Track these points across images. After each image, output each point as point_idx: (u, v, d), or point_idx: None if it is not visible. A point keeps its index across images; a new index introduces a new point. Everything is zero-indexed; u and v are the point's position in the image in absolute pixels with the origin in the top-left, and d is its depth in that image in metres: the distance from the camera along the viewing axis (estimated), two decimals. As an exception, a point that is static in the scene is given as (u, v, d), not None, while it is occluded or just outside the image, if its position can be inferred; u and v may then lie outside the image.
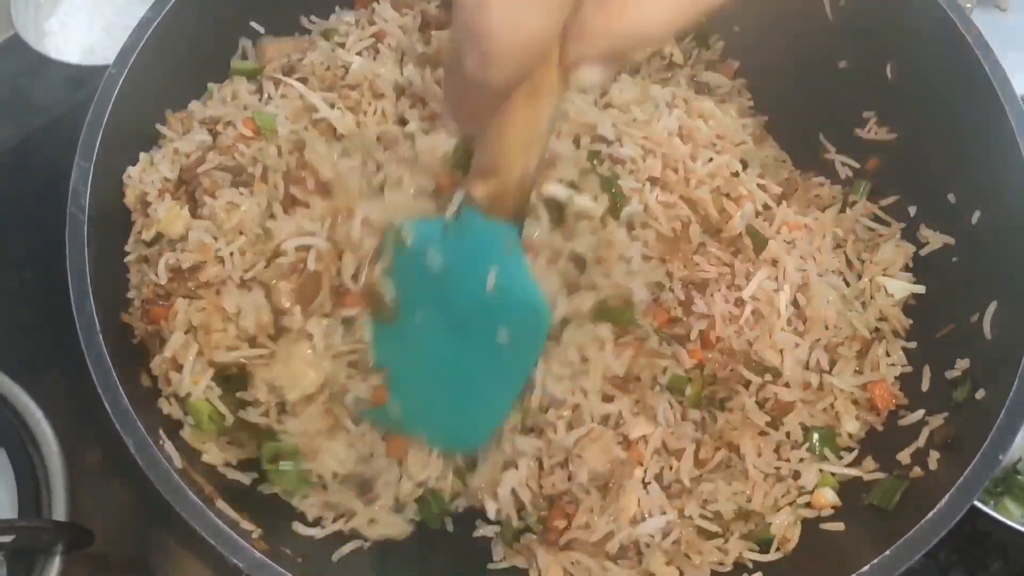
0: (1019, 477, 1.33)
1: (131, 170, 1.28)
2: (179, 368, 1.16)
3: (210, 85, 1.41)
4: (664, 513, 1.14)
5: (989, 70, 1.21)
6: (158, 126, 1.34)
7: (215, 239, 1.18)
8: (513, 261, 1.02)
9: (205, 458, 1.18)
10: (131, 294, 1.22)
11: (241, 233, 1.19)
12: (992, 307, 1.16)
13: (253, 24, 1.44)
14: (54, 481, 1.33)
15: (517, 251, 1.03)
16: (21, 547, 1.25)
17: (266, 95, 1.35)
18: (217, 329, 1.14)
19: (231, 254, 1.17)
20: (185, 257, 1.17)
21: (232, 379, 1.19)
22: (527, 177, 0.94)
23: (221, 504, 1.09)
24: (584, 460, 1.16)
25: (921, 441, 1.16)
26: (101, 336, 1.06)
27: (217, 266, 1.17)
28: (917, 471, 1.13)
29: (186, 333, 1.16)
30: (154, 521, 1.34)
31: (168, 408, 1.17)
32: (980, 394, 1.12)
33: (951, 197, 1.28)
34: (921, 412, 1.20)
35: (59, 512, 1.31)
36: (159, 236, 1.22)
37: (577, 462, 1.16)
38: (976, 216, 1.23)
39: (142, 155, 1.30)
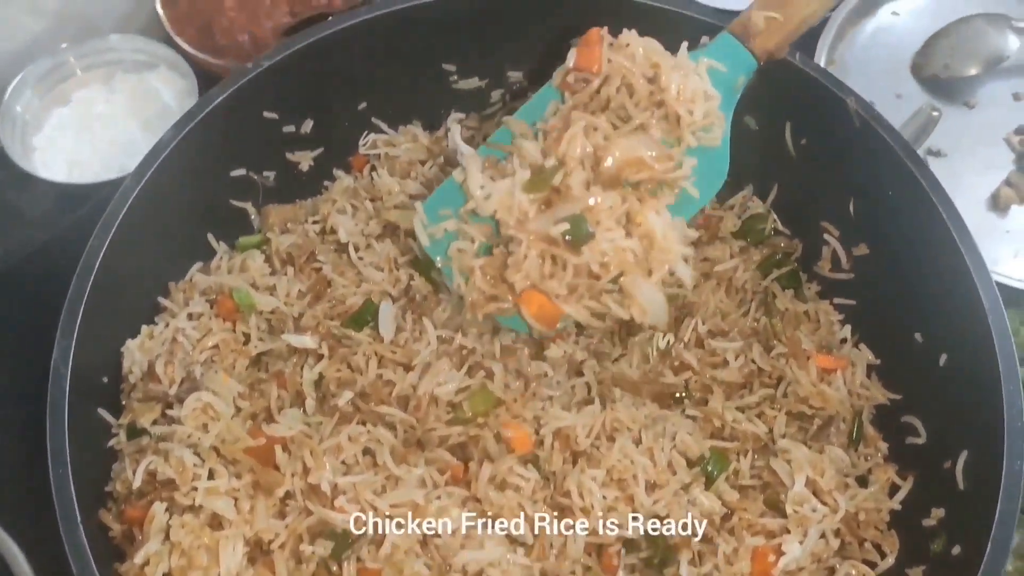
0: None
1: (130, 343, 1.28)
2: None
3: (220, 246, 1.43)
4: None
5: (945, 215, 1.24)
6: (160, 299, 1.35)
7: (201, 459, 1.15)
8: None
9: None
10: (108, 486, 1.20)
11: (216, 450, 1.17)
12: (963, 456, 1.16)
13: (237, 173, 1.44)
14: (32, 622, 1.29)
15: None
16: None
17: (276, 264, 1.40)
18: (198, 566, 1.09)
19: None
20: (164, 468, 1.13)
21: None
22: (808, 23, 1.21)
23: None
24: None
25: (902, 595, 1.16)
26: (82, 528, 1.05)
27: (192, 493, 1.13)
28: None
29: (164, 542, 1.11)
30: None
31: None
32: (956, 550, 1.12)
33: (918, 336, 1.30)
34: (892, 559, 1.20)
35: (36, 655, 1.26)
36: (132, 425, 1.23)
37: None
38: (943, 359, 1.24)
39: (143, 328, 1.30)
